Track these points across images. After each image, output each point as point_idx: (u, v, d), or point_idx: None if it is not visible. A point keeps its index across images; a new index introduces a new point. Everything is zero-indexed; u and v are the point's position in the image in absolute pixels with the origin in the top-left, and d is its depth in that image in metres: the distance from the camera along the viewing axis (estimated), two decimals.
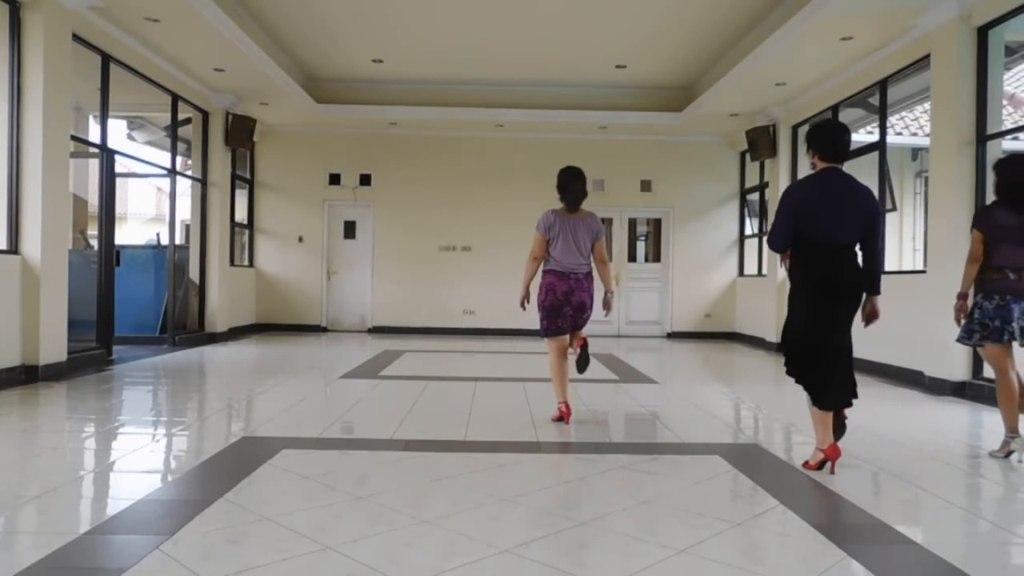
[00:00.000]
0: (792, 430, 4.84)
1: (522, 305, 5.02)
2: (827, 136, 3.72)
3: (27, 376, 6.11)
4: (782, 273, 10.25)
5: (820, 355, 3.66)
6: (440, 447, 4.20)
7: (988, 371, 6.10)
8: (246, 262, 11.90)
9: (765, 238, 3.94)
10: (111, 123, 8.12)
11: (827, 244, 3.62)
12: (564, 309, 4.78)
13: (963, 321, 4.19)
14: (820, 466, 3.68)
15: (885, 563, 2.52)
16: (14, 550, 2.54)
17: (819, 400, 3.66)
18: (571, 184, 4.90)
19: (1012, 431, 4.01)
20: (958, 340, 4.29)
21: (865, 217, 3.65)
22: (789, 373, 3.82)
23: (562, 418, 4.80)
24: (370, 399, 5.70)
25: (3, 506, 2.96)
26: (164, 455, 4.02)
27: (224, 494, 3.10)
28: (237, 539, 2.62)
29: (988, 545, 2.84)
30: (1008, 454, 4.02)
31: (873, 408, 5.53)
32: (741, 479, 3.56)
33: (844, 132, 3.79)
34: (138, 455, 3.89)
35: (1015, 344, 4.03)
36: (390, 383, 6.52)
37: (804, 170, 10.12)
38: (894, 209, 8.46)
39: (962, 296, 4.17)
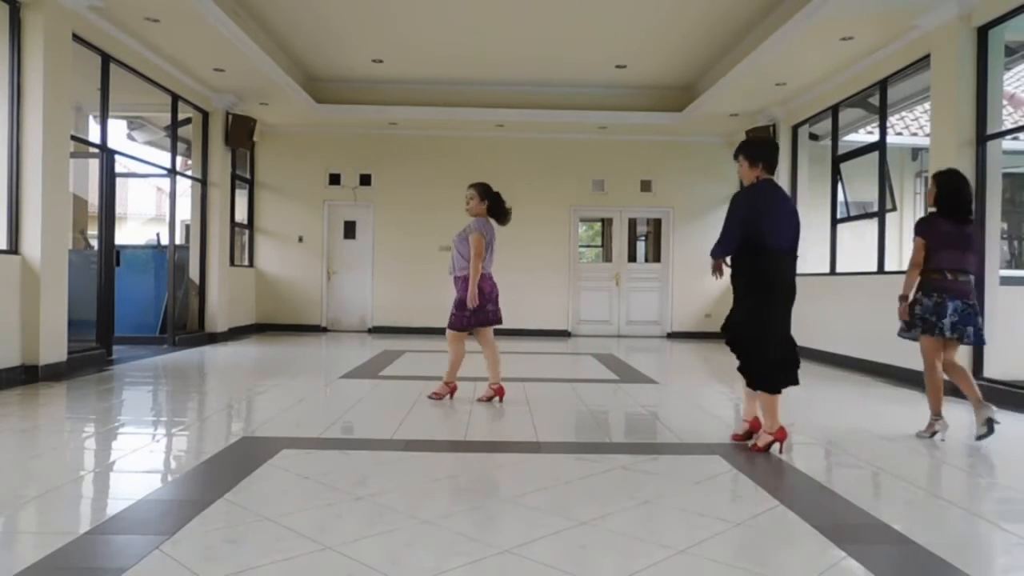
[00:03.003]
0: (792, 430, 4.83)
1: (477, 302, 5.36)
2: (773, 152, 4.22)
3: (27, 376, 6.11)
4: None
5: (779, 349, 4.07)
6: (440, 447, 4.20)
7: (988, 372, 6.12)
8: (246, 262, 11.90)
9: (715, 245, 4.24)
10: (111, 123, 8.12)
11: (779, 248, 4.02)
12: (488, 306, 5.44)
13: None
14: (768, 448, 4.03)
15: (885, 563, 2.52)
16: (14, 550, 2.54)
17: (778, 386, 4.01)
18: (506, 208, 5.63)
19: (936, 415, 4.53)
20: (899, 335, 4.71)
21: (797, 224, 4.13)
22: (751, 370, 4.10)
23: (450, 395, 5.61)
24: (370, 399, 5.70)
25: (3, 506, 2.96)
26: (164, 455, 4.02)
27: (224, 494, 3.10)
28: (237, 539, 2.62)
29: (988, 545, 2.84)
30: (933, 434, 4.51)
31: (873, 408, 5.54)
32: (741, 479, 3.56)
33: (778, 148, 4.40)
34: (138, 455, 3.89)
35: (951, 338, 4.47)
36: (390, 383, 6.52)
37: (804, 170, 10.14)
38: (894, 209, 8.46)
39: (903, 299, 4.60)
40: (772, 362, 4.03)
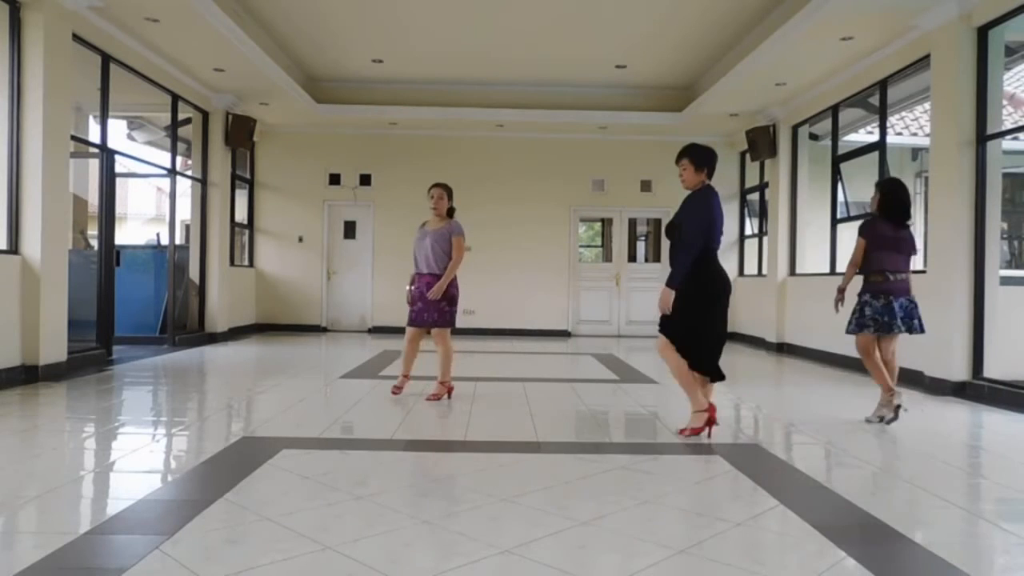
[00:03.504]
0: (792, 430, 4.84)
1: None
2: (716, 160, 4.41)
3: (27, 376, 6.11)
4: (782, 273, 10.28)
5: (722, 342, 4.42)
6: (440, 447, 4.20)
7: (988, 371, 6.12)
8: (246, 262, 11.90)
9: (685, 245, 4.28)
10: (111, 123, 8.12)
11: (717, 249, 4.30)
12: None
13: (853, 316, 5.01)
14: (708, 426, 4.30)
15: (885, 563, 2.52)
16: (14, 550, 2.54)
17: (717, 375, 4.33)
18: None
19: (889, 391, 4.89)
20: (850, 332, 5.06)
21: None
22: (703, 367, 4.30)
23: (448, 395, 5.62)
24: (370, 399, 5.70)
25: (3, 506, 2.96)
26: (164, 455, 4.02)
27: (224, 494, 3.10)
28: (237, 539, 2.62)
29: (988, 545, 2.84)
30: (896, 408, 4.82)
31: (873, 408, 5.53)
32: (741, 479, 3.55)
33: None
34: (138, 455, 3.89)
35: (900, 330, 4.90)
36: (390, 383, 6.49)
37: (804, 170, 10.14)
38: None
39: (841, 290, 5.10)
40: (718, 352, 4.35)
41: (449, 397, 5.65)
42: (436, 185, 5.69)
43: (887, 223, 4.95)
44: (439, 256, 5.51)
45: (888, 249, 4.90)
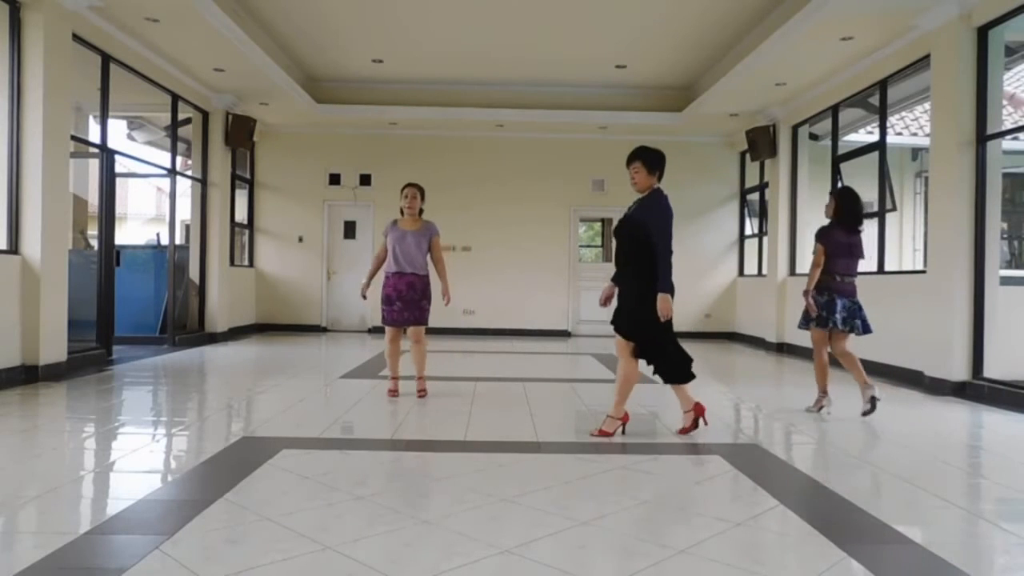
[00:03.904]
0: (792, 430, 4.84)
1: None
2: (665, 162, 4.43)
3: (27, 376, 6.11)
4: (782, 273, 10.29)
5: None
6: (440, 447, 4.20)
7: (988, 372, 6.12)
8: (246, 262, 11.90)
9: (664, 249, 4.34)
10: (111, 123, 8.12)
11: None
12: None
13: (803, 314, 5.36)
14: (696, 425, 4.46)
15: (885, 563, 2.52)
16: (14, 550, 2.54)
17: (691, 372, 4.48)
18: None
19: (823, 392, 5.36)
20: (801, 328, 5.46)
21: None
22: (684, 368, 4.47)
23: (423, 392, 5.74)
24: (370, 399, 5.70)
25: (3, 506, 2.96)
26: (164, 455, 4.02)
27: (224, 494, 3.10)
28: (237, 539, 2.62)
29: (988, 545, 2.84)
30: (820, 408, 5.34)
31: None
32: (741, 479, 3.55)
33: None
34: (138, 455, 3.89)
35: (843, 330, 5.19)
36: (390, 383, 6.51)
37: (804, 170, 10.14)
38: (894, 209, 8.46)
39: (806, 293, 5.28)
40: (683, 351, 4.48)
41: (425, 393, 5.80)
42: (410, 185, 5.76)
43: (840, 229, 5.24)
44: (420, 256, 5.64)
45: (842, 255, 5.21)
